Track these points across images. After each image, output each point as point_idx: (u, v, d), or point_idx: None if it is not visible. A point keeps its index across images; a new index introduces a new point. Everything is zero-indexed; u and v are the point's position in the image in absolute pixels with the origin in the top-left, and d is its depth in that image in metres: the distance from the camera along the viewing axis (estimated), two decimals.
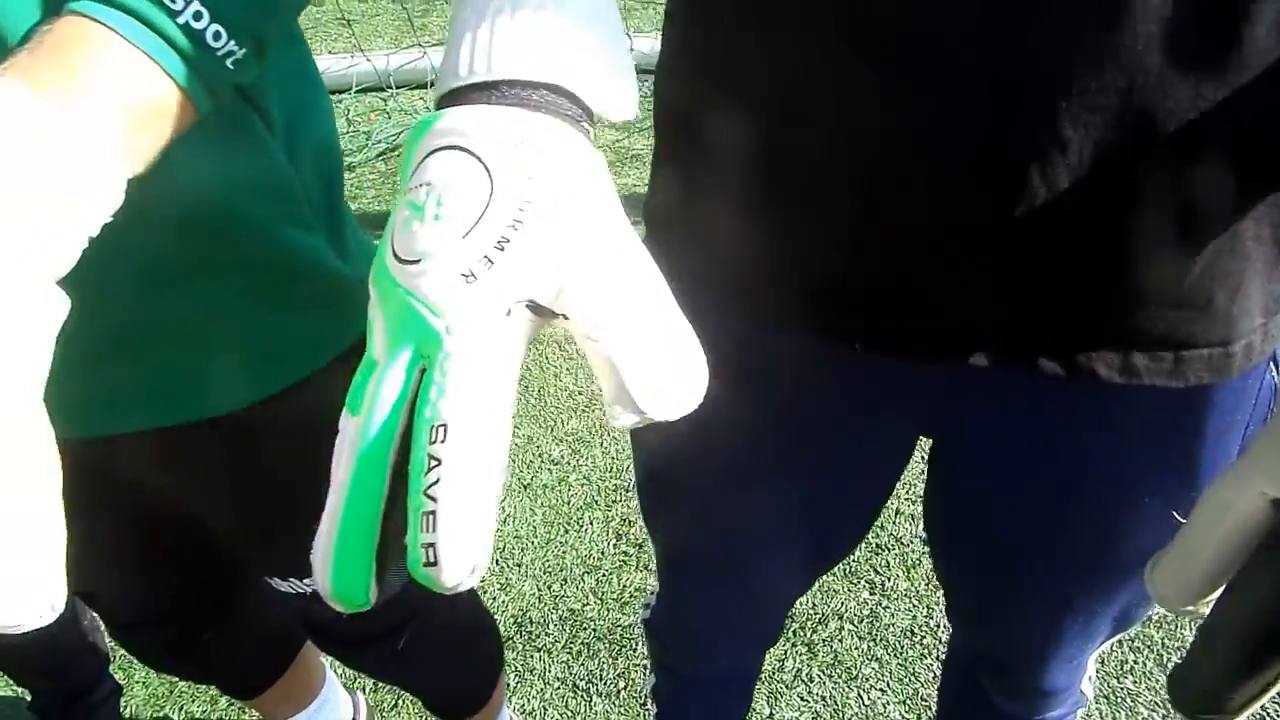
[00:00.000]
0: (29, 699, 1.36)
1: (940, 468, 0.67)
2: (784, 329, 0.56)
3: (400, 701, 1.41)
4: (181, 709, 1.43)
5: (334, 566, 0.32)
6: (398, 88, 2.80)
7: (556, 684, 1.42)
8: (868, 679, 1.40)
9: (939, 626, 1.45)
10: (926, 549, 1.55)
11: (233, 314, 0.59)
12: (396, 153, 2.66)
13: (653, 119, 0.59)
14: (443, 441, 0.30)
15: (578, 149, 0.34)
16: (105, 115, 0.36)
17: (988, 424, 0.59)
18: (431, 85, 2.80)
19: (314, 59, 0.67)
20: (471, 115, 0.34)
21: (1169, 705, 1.34)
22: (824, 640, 1.45)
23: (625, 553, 1.60)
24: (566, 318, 0.32)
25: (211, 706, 1.43)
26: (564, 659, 1.45)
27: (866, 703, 1.38)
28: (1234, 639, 0.40)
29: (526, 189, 0.32)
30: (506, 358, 0.32)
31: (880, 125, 0.45)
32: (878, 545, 1.58)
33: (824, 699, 1.39)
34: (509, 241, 0.32)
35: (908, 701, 1.37)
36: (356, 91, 2.83)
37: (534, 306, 0.32)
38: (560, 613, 1.51)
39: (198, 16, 0.39)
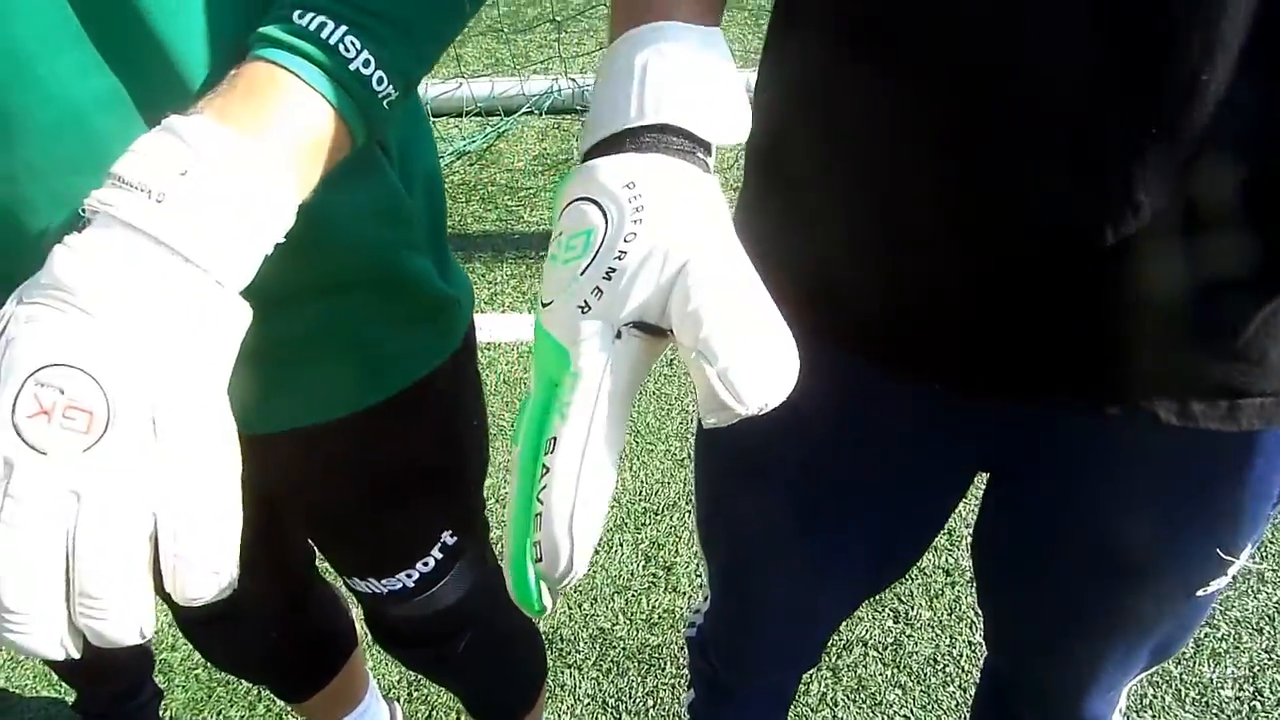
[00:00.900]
0: (73, 699, 1.39)
1: (994, 502, 0.71)
2: (852, 358, 0.60)
3: (434, 714, 1.44)
4: (219, 713, 1.47)
5: (510, 572, 0.37)
6: (435, 116, 2.87)
7: (586, 700, 1.45)
8: (891, 704, 1.43)
9: (961, 655, 1.48)
10: (949, 579, 1.59)
11: (353, 328, 0.64)
12: None
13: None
14: (551, 453, 0.35)
15: (683, 179, 0.39)
16: (286, 151, 0.41)
17: (1048, 463, 0.63)
18: (466, 114, 2.88)
19: None
20: (594, 167, 0.40)
21: None
22: (849, 666, 1.48)
23: (654, 574, 1.64)
24: (673, 333, 0.37)
25: (249, 712, 1.46)
26: (594, 676, 1.48)
27: None
28: None
29: (631, 224, 0.37)
30: (620, 376, 0.36)
31: (961, 177, 0.50)
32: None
33: None
34: (615, 272, 0.37)
35: None
36: None
37: (642, 326, 0.37)
38: (590, 631, 1.55)
39: (367, 64, 0.45)
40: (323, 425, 0.66)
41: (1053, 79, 0.45)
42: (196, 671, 1.51)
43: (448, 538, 0.80)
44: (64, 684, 1.44)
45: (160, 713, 1.43)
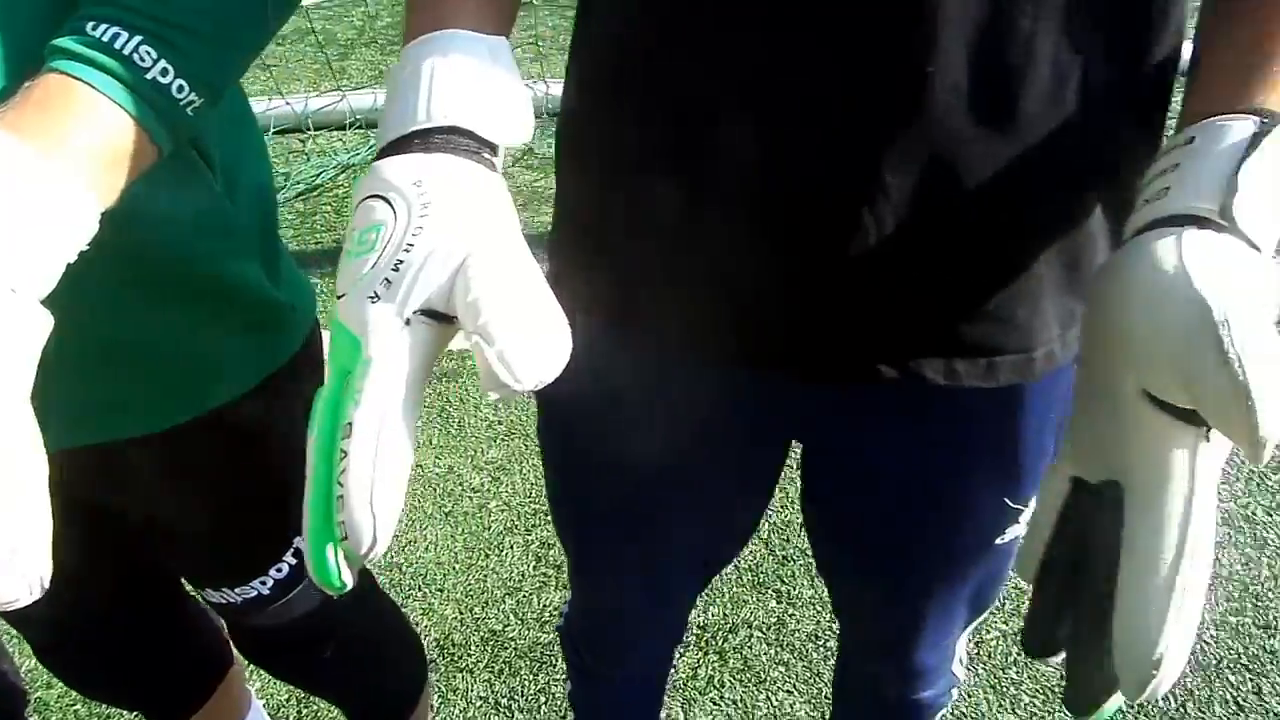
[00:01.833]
0: None
1: (808, 472, 0.76)
2: (665, 345, 0.64)
3: None
4: None
5: (310, 554, 0.39)
6: (316, 129, 2.84)
7: (479, 702, 1.47)
8: (775, 682, 1.49)
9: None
10: None
11: (179, 336, 0.65)
12: (315, 193, 2.70)
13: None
14: (348, 438, 0.38)
15: (468, 177, 0.42)
16: (81, 160, 0.43)
17: (842, 430, 0.68)
18: (349, 127, 2.85)
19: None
20: (384, 166, 0.42)
21: (1049, 692, 1.46)
22: (734, 648, 1.54)
23: (545, 574, 1.66)
24: (456, 318, 0.40)
25: None
26: (486, 678, 1.50)
27: (775, 704, 1.46)
28: (1037, 583, 0.48)
29: (418, 218, 0.40)
30: (411, 362, 0.39)
31: (740, 165, 0.54)
32: (784, 556, 1.67)
33: (735, 703, 1.47)
34: (402, 264, 0.40)
35: (813, 701, 1.46)
36: (275, 133, 2.86)
37: (429, 313, 0.40)
38: (482, 634, 1.57)
39: (165, 73, 0.46)
40: (157, 435, 0.67)
41: (811, 76, 0.49)
42: (75, 707, 1.47)
43: (300, 542, 0.82)
44: None
45: None
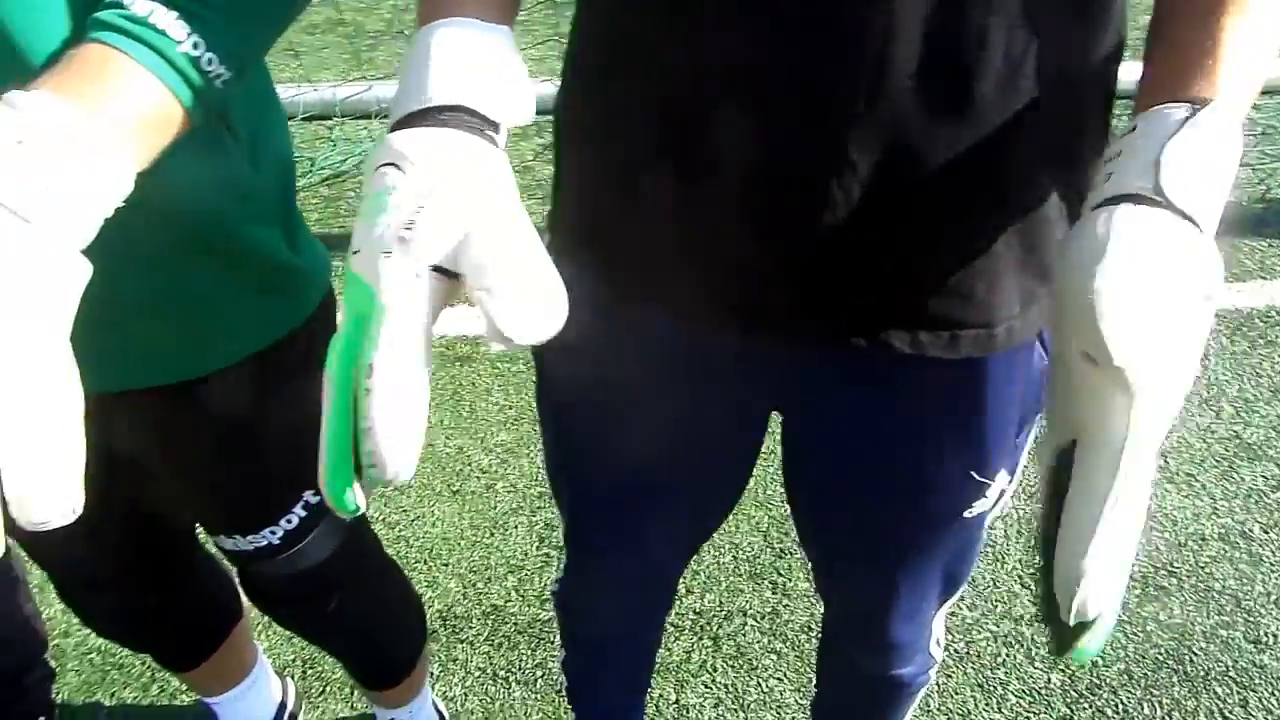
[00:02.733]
0: None
1: (787, 440, 0.80)
2: (653, 312, 0.68)
3: (328, 689, 1.49)
4: (113, 694, 1.49)
5: (326, 481, 0.44)
6: (343, 117, 2.90)
7: (478, 673, 1.52)
8: (767, 669, 1.52)
9: None
10: None
11: (202, 293, 0.70)
12: (340, 179, 2.76)
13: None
14: (370, 377, 0.42)
15: (473, 149, 0.47)
16: (119, 123, 0.47)
17: (818, 399, 0.72)
18: (375, 116, 2.91)
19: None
20: (397, 137, 0.47)
21: (1035, 693, 1.49)
22: (728, 635, 1.57)
23: (547, 554, 1.70)
24: (461, 275, 0.45)
25: (143, 693, 1.49)
26: (485, 650, 1.55)
27: (765, 690, 1.50)
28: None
29: (429, 184, 0.45)
30: (420, 310, 0.44)
31: (721, 145, 0.58)
32: (781, 549, 1.71)
33: (726, 687, 1.50)
34: (414, 224, 0.44)
35: (803, 689, 1.49)
36: (303, 119, 2.93)
37: (438, 269, 0.44)
38: (484, 608, 1.61)
39: (196, 46, 0.51)
40: (175, 385, 0.72)
41: (783, 62, 0.54)
42: (90, 655, 1.53)
43: (310, 496, 0.86)
44: None
45: (53, 695, 1.44)
